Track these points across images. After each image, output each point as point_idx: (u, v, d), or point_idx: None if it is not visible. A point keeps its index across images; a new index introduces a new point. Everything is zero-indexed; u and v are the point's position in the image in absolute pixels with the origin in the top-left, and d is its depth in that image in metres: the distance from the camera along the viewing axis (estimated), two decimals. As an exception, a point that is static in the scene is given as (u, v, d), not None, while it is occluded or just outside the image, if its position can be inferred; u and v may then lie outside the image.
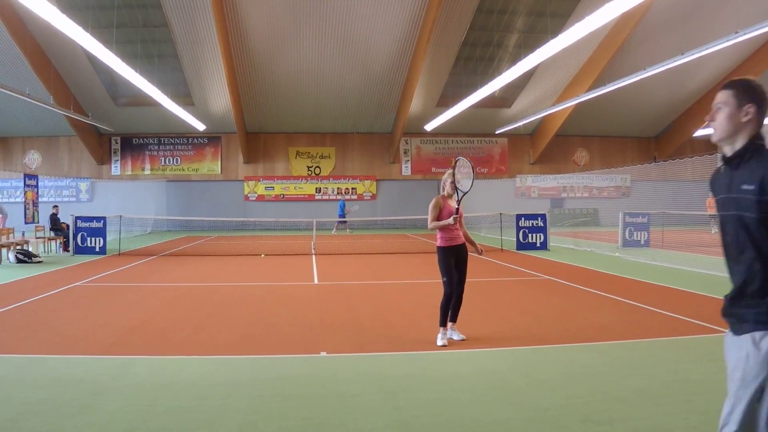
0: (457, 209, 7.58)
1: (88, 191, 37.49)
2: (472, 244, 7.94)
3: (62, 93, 30.55)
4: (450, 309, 7.72)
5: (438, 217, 7.67)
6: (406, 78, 31.71)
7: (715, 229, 27.95)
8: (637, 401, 5.34)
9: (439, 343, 7.46)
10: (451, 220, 7.44)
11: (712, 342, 7.53)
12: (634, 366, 6.46)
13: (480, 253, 8.06)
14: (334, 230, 33.74)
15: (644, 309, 9.74)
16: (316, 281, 13.78)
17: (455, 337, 7.74)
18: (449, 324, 7.76)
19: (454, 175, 7.72)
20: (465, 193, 7.64)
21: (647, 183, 36.76)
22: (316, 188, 38.89)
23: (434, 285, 12.65)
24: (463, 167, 7.74)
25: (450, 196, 7.81)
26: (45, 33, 26.26)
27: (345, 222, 33.73)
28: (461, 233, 7.79)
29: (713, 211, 27.47)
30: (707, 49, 17.84)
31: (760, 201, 2.63)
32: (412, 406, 5.32)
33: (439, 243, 7.72)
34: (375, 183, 39.09)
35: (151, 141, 37.86)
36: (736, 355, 2.80)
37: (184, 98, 32.13)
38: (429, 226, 7.73)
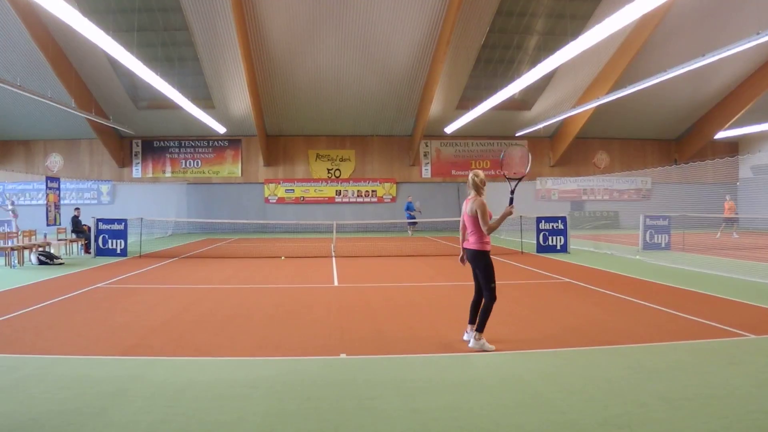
0: (510, 202, 7.52)
1: (109, 194, 37.77)
2: None
3: (84, 96, 30.83)
4: (473, 309, 7.77)
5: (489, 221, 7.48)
6: (425, 81, 31.70)
7: (719, 234, 27.65)
8: (656, 405, 5.32)
9: (489, 347, 7.41)
10: (511, 209, 7.47)
11: (733, 346, 7.48)
12: (654, 369, 6.42)
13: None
14: (410, 232, 33.37)
15: (665, 312, 9.68)
16: (336, 283, 13.78)
17: (466, 338, 7.76)
18: (469, 326, 7.77)
19: (477, 175, 7.68)
20: (519, 181, 7.71)
21: (668, 185, 36.55)
22: (336, 191, 38.92)
23: (454, 287, 12.65)
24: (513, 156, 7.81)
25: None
26: (67, 37, 26.52)
27: (415, 223, 33.16)
28: None
29: (729, 214, 27.40)
30: (728, 50, 17.70)
31: None
32: (432, 408, 5.32)
33: (484, 247, 7.52)
34: (395, 186, 39.06)
35: (171, 144, 38.09)
36: None
37: (205, 101, 32.33)
38: (492, 224, 7.41)
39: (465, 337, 7.74)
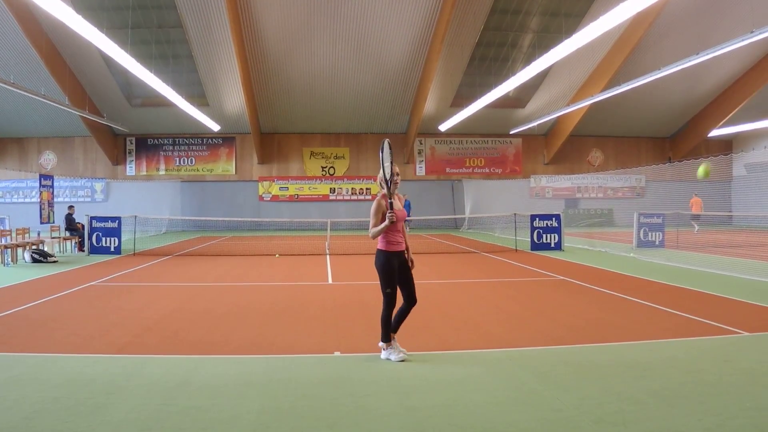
0: (391, 203, 6.69)
1: (103, 191, 37.71)
2: (407, 250, 7.16)
3: (77, 94, 30.75)
4: (395, 320, 7.01)
5: (379, 223, 6.80)
6: (420, 78, 31.71)
7: (697, 228, 27.72)
8: (650, 402, 5.32)
9: (395, 358, 6.78)
10: (387, 221, 6.61)
11: (727, 343, 7.50)
12: (648, 367, 6.43)
13: (410, 267, 7.18)
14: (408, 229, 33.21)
15: (658, 310, 9.69)
16: (330, 281, 13.79)
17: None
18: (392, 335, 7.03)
19: (382, 164, 6.82)
20: (389, 181, 6.73)
21: (662, 183, 36.70)
22: (331, 188, 38.94)
23: (448, 285, 12.67)
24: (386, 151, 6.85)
25: (392, 195, 6.82)
26: (60, 34, 26.45)
27: (410, 221, 32.82)
28: (404, 238, 7.09)
29: (696, 211, 27.45)
30: (722, 48, 17.73)
31: None
32: (426, 406, 5.32)
33: (381, 246, 6.90)
34: (389, 183, 38.97)
35: (165, 141, 38.04)
36: None
37: (199, 99, 32.28)
38: (370, 233, 6.83)
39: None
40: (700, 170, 4.43)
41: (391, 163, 6.80)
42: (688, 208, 28.13)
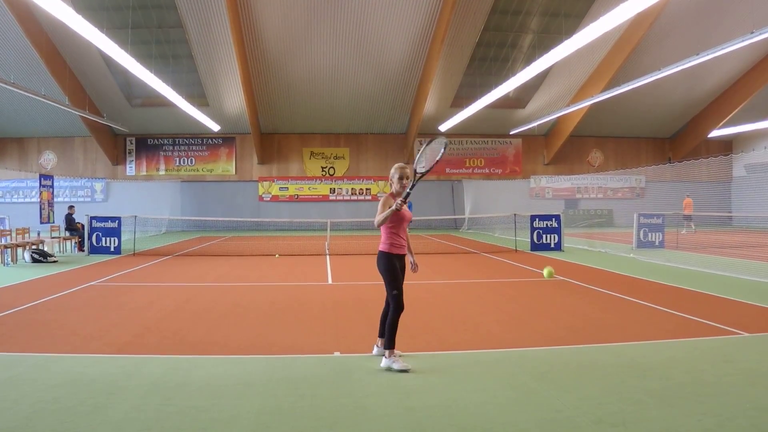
0: (405, 197, 6.51)
1: (103, 191, 37.71)
2: (410, 253, 7.15)
3: (77, 94, 30.75)
4: (383, 321, 6.92)
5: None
6: (420, 78, 31.71)
7: (684, 230, 27.71)
8: (650, 403, 5.32)
9: (399, 367, 6.42)
10: (398, 204, 6.38)
11: (727, 344, 7.49)
12: (648, 367, 6.42)
13: (414, 270, 7.19)
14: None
15: (658, 310, 9.69)
16: (330, 281, 13.78)
17: (376, 352, 7.01)
18: (379, 340, 6.99)
19: (402, 169, 6.73)
20: (421, 175, 6.77)
21: (662, 184, 36.70)
22: (330, 189, 38.95)
23: (448, 285, 12.66)
24: (434, 148, 6.86)
25: (398, 194, 6.67)
26: (60, 34, 26.46)
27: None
28: (407, 242, 7.00)
29: (689, 212, 27.41)
30: (722, 49, 17.73)
31: None
32: (426, 406, 5.31)
33: (384, 248, 6.76)
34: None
35: (165, 141, 38.05)
36: None
37: (199, 99, 32.28)
38: (375, 221, 6.61)
39: (374, 352, 7.06)
40: (545, 272, 4.59)
41: (430, 167, 6.82)
42: (683, 209, 28.19)
